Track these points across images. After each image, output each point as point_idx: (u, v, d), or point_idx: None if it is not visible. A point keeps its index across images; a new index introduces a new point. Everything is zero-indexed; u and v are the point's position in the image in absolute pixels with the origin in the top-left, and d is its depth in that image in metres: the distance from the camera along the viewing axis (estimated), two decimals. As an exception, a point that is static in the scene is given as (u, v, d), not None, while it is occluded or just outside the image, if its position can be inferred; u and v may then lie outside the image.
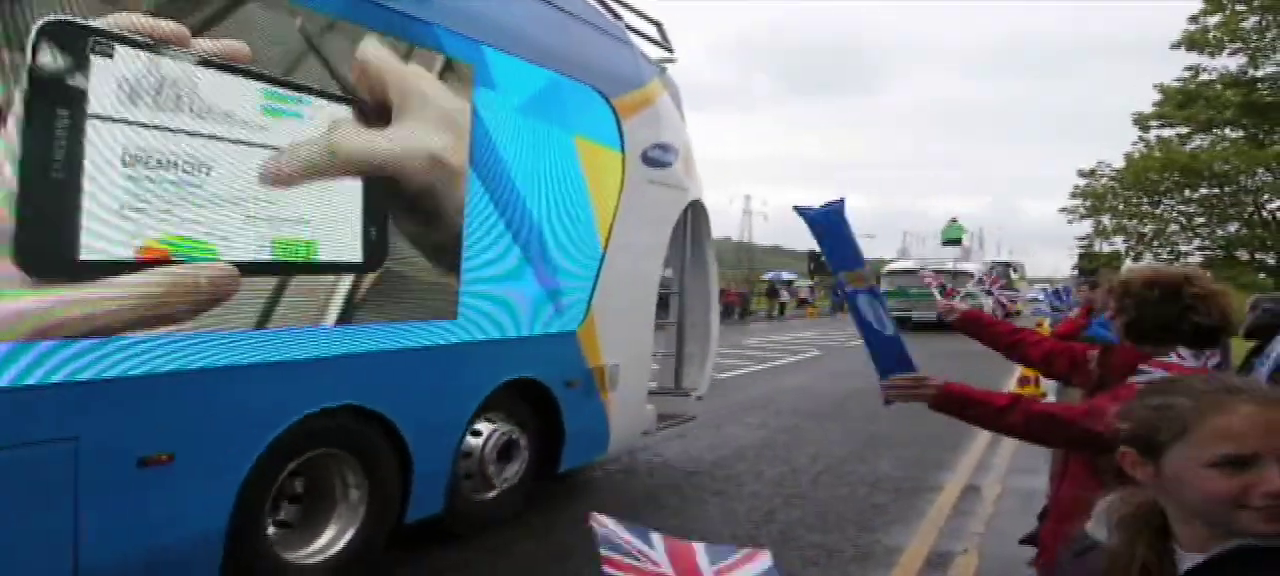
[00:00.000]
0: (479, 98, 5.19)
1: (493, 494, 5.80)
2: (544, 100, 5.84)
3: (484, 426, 5.69)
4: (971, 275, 31.98)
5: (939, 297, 4.95)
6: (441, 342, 5.06)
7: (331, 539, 4.72)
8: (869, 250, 40.53)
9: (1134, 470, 1.43)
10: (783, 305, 45.57)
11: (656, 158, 7.10)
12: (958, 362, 12.00)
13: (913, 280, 32.46)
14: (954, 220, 43.30)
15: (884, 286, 33.74)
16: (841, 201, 2.60)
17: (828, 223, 2.62)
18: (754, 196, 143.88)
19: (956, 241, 40.74)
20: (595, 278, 6.41)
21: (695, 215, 8.32)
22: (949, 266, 33.39)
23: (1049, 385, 8.67)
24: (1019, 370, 13.34)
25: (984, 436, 9.58)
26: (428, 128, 4.83)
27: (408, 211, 4.76)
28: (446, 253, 5.05)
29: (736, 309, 39.07)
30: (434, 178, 4.88)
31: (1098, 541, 1.46)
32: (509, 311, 5.58)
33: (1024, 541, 3.87)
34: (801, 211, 2.68)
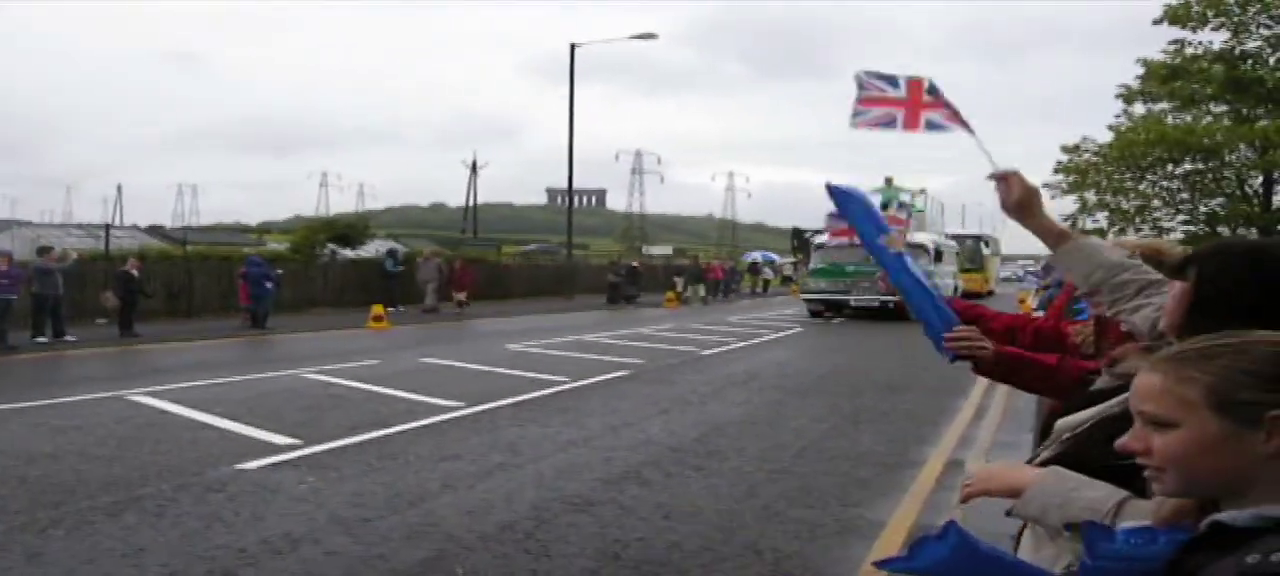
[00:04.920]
0: None
1: None
2: None
3: None
4: (926, 248, 26.98)
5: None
6: None
7: None
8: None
9: None
10: (766, 282, 45.73)
11: None
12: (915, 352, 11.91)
13: (851, 255, 25.57)
14: (889, 179, 32.92)
15: (815, 262, 28.19)
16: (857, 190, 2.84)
17: (854, 194, 2.83)
18: (737, 174, 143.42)
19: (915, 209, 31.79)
20: None
21: None
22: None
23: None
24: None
25: (966, 412, 9.58)
26: None
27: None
28: None
29: (721, 285, 39.11)
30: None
31: None
32: None
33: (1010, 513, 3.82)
34: (831, 188, 2.84)
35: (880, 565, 1.82)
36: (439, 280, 26.29)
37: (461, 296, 26.51)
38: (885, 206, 32.89)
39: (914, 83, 2.64)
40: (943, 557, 1.29)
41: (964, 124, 2.57)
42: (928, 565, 1.31)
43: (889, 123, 2.64)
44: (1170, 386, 1.25)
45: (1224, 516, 1.19)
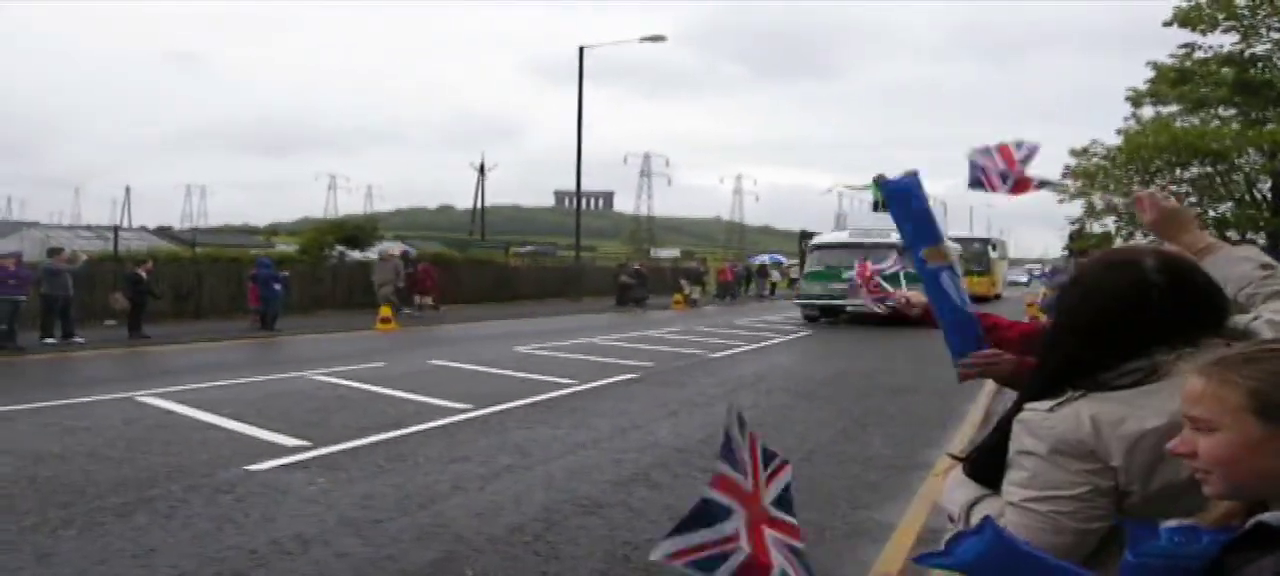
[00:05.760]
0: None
1: None
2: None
3: None
4: None
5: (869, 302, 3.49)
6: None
7: None
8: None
9: None
10: (773, 285, 45.74)
11: None
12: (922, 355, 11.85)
13: (847, 257, 22.87)
14: (879, 176, 32.89)
15: (811, 265, 26.31)
16: (917, 173, 2.51)
17: (906, 191, 2.49)
18: (743, 176, 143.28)
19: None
20: None
21: None
22: (893, 239, 24.73)
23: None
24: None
25: (974, 414, 9.56)
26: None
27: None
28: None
29: (731, 289, 39.14)
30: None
31: None
32: None
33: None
34: (882, 182, 2.60)
35: (919, 560, 1.83)
36: (399, 282, 23.79)
37: (426, 300, 24.70)
38: (874, 208, 31.62)
39: (1003, 148, 2.80)
40: (980, 553, 1.30)
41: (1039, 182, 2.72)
42: (965, 560, 1.31)
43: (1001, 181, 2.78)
44: (1213, 390, 1.26)
45: (1268, 517, 1.19)
